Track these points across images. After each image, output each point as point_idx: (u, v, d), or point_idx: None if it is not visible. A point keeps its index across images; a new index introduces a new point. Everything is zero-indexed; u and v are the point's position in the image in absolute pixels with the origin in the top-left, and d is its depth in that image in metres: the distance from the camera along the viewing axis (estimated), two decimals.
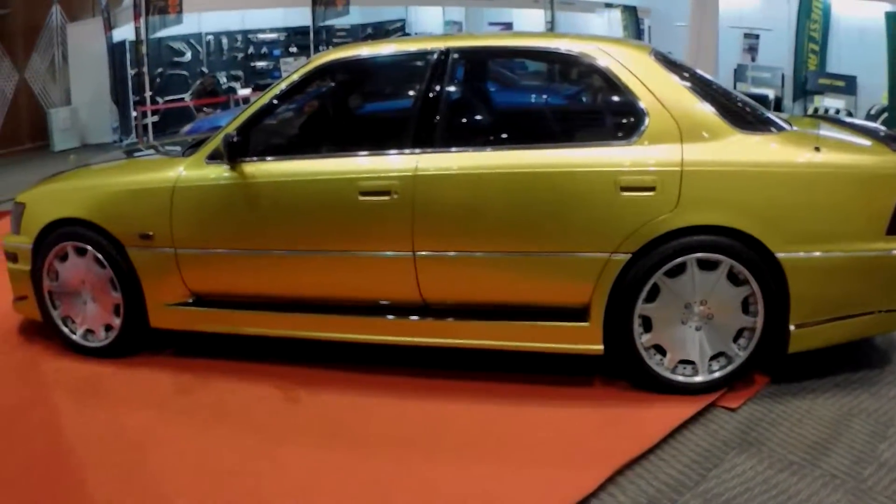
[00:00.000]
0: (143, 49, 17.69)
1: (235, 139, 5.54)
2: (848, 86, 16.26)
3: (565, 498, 4.22)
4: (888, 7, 13.86)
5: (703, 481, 4.38)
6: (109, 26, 18.42)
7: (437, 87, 5.46)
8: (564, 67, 7.28)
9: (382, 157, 5.46)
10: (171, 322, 5.98)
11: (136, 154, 7.65)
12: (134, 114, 18.24)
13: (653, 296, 5.11)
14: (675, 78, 5.31)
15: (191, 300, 5.91)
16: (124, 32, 18.56)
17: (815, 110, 16.37)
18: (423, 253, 5.31)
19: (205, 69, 20.00)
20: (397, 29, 23.43)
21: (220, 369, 5.88)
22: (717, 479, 4.40)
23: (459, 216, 5.28)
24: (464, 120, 5.90)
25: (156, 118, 18.38)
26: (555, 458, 4.64)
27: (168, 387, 5.69)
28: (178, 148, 6.44)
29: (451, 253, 5.31)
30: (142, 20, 17.68)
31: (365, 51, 6.05)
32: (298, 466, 4.62)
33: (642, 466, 4.54)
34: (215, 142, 5.71)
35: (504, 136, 5.87)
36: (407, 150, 5.36)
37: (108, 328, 6.11)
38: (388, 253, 5.38)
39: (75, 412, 5.39)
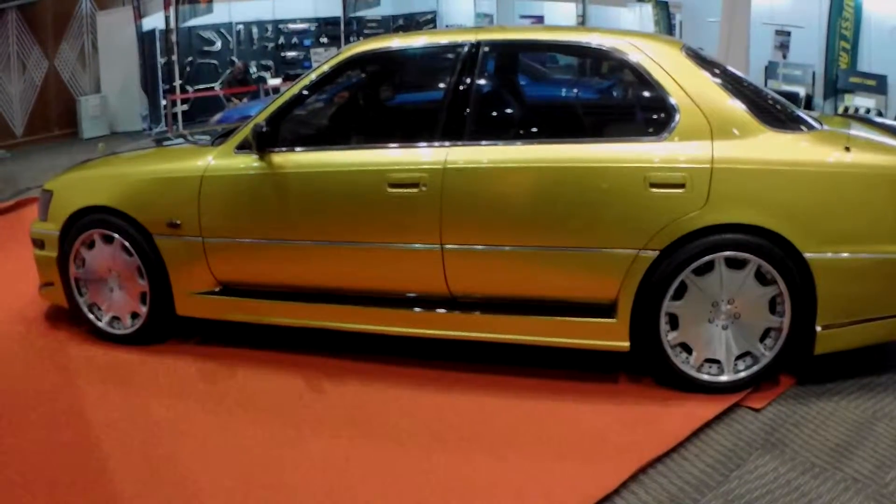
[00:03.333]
0: (173, 38, 17.75)
1: (265, 129, 5.55)
2: (879, 85, 16.15)
3: (589, 494, 4.21)
4: None
5: (725, 482, 4.37)
6: (139, 15, 18.50)
7: (468, 80, 5.45)
8: (595, 62, 7.27)
9: (412, 149, 5.47)
10: (197, 311, 6.01)
11: (165, 143, 7.68)
12: (163, 102, 18.32)
13: (680, 293, 5.09)
14: (706, 74, 5.28)
15: (217, 289, 5.93)
16: (154, 21, 18.66)
17: (846, 109, 16.28)
18: (451, 246, 5.32)
19: (235, 59, 20.02)
20: (428, 21, 23.36)
21: (245, 358, 5.90)
22: (740, 480, 4.38)
23: (488, 210, 5.27)
24: (493, 113, 5.88)
25: (185, 107, 18.48)
26: (579, 453, 4.63)
27: (193, 375, 5.72)
28: (208, 137, 6.47)
29: (479, 246, 5.31)
30: (172, 9, 17.75)
31: (396, 42, 6.02)
32: (324, 457, 4.63)
33: (665, 465, 4.53)
34: (245, 132, 5.72)
35: (534, 130, 5.87)
36: (436, 143, 5.36)
37: (135, 316, 6.14)
38: (416, 245, 5.39)
39: (101, 399, 5.41)
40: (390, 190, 5.33)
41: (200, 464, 4.59)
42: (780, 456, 4.59)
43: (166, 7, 17.70)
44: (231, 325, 6.07)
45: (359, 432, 4.92)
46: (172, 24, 17.85)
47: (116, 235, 5.96)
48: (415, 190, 5.29)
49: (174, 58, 17.73)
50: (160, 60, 18.92)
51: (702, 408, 5.01)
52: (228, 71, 19.73)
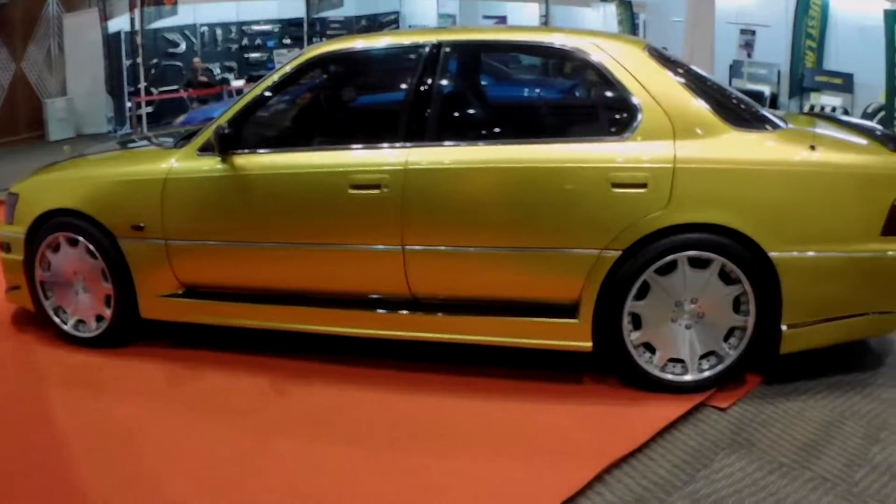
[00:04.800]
0: (139, 40, 17.69)
1: (227, 131, 5.52)
2: (845, 83, 16.26)
3: (553, 495, 4.19)
4: (888, 5, 13.83)
5: (691, 481, 4.36)
6: (105, 17, 18.44)
7: (430, 81, 5.44)
8: (558, 62, 7.29)
9: (374, 150, 5.44)
10: (161, 313, 5.97)
11: (130, 145, 7.62)
12: (129, 104, 18.26)
13: (643, 293, 5.08)
14: (669, 74, 5.28)
15: (181, 291, 5.89)
16: (120, 23, 18.64)
17: (812, 108, 16.37)
18: (413, 247, 5.29)
19: (199, 59, 19.96)
20: (391, 21, 23.45)
21: (211, 361, 5.88)
22: (706, 480, 4.37)
23: (449, 211, 5.25)
24: (456, 114, 5.85)
25: (150, 109, 18.44)
26: (543, 454, 4.61)
27: (159, 378, 5.68)
28: (171, 139, 6.42)
29: (441, 247, 5.29)
30: (137, 11, 17.69)
31: (358, 43, 6.01)
32: (289, 459, 4.60)
33: (631, 465, 4.52)
34: (207, 134, 5.70)
35: (496, 130, 5.85)
36: (398, 144, 5.34)
37: (100, 319, 6.10)
38: (378, 246, 5.36)
39: (66, 403, 5.38)
40: (352, 191, 5.31)
41: (167, 467, 4.56)
42: (747, 455, 4.58)
43: (132, 9, 17.66)
44: (197, 327, 6.03)
45: (324, 434, 4.89)
46: (138, 26, 17.79)
47: (81, 238, 5.92)
48: (376, 191, 5.27)
49: (139, 60, 17.68)
50: (126, 62, 18.86)
51: (667, 408, 5.01)
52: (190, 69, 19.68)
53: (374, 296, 5.56)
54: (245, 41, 21.43)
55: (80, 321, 6.17)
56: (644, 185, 4.95)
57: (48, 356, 6.09)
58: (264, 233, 5.60)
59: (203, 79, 19.06)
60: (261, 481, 4.40)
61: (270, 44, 21.68)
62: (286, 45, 21.67)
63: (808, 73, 17.00)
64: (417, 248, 5.29)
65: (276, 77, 5.74)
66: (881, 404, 5.15)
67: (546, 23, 20.92)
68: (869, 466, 4.49)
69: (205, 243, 5.74)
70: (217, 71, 20.37)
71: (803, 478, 4.37)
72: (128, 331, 6.12)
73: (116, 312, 6.00)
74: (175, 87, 19.57)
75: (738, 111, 5.36)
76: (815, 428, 4.87)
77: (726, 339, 5.16)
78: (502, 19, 22.39)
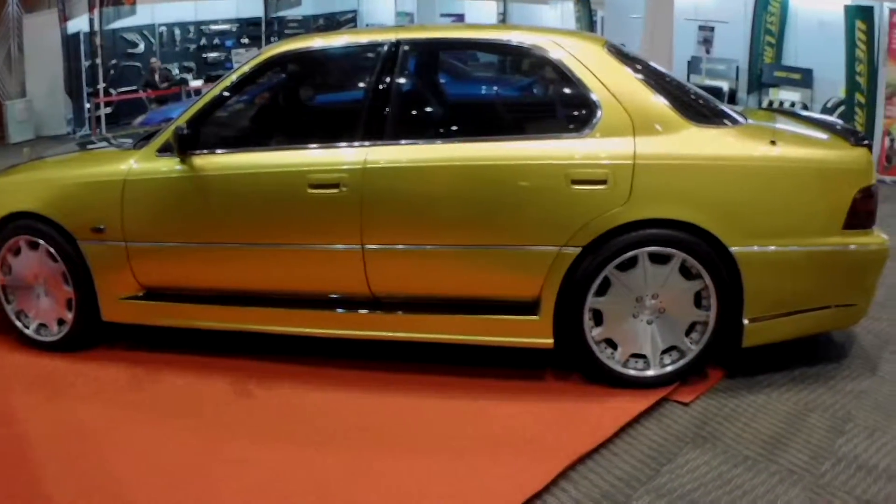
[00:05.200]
0: (98, 40, 17.59)
1: (186, 132, 5.47)
2: (804, 79, 16.34)
3: (517, 493, 4.18)
4: (848, 0, 13.92)
5: (656, 476, 4.37)
6: (65, 17, 18.32)
7: (388, 80, 5.42)
8: (517, 60, 7.31)
9: (332, 149, 5.42)
10: (123, 316, 5.92)
11: (90, 146, 7.56)
12: (87, 105, 18.15)
13: (604, 289, 5.09)
14: (628, 70, 5.29)
15: (142, 294, 5.84)
16: (79, 24, 18.50)
17: (770, 103, 16.45)
18: (372, 246, 5.28)
19: (156, 60, 19.87)
20: (349, 20, 23.43)
21: (173, 363, 5.83)
22: (671, 474, 4.38)
23: (408, 209, 5.24)
24: (414, 112, 5.86)
25: (109, 110, 18.31)
26: (506, 452, 4.60)
27: (121, 382, 5.62)
28: (130, 140, 6.36)
29: (400, 246, 5.28)
30: (97, 11, 17.59)
31: (316, 42, 5.95)
32: (254, 462, 4.56)
33: (595, 461, 4.52)
34: (166, 134, 5.65)
35: (455, 128, 5.85)
36: (356, 143, 5.32)
37: (62, 322, 6.03)
38: (337, 246, 5.34)
39: (28, 407, 5.31)
40: (310, 191, 5.28)
41: (130, 471, 4.51)
42: (711, 449, 4.60)
43: (91, 9, 17.54)
44: (159, 329, 5.99)
45: (288, 436, 4.86)
46: (97, 27, 17.69)
47: (42, 242, 5.86)
48: (335, 191, 5.25)
49: (98, 61, 17.57)
50: (84, 63, 18.75)
51: (630, 403, 5.02)
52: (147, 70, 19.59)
53: (335, 295, 5.54)
54: (203, 41, 21.34)
55: (43, 325, 6.09)
56: (604, 182, 4.95)
57: (10, 361, 6.00)
58: (224, 234, 5.57)
59: (163, 85, 18.95)
60: (226, 484, 4.36)
61: (229, 43, 21.61)
62: (244, 45, 21.61)
63: (767, 68, 17.08)
64: (377, 247, 5.28)
65: (234, 77, 5.69)
66: (845, 396, 5.19)
67: (504, 20, 20.98)
68: (834, 458, 4.51)
69: (164, 245, 5.69)
70: (176, 71, 20.26)
71: (769, 471, 4.39)
72: (90, 334, 6.06)
73: (78, 316, 5.94)
74: (133, 87, 19.46)
75: (698, 107, 5.37)
76: (779, 421, 4.90)
77: (688, 333, 5.18)
78: (460, 17, 22.44)
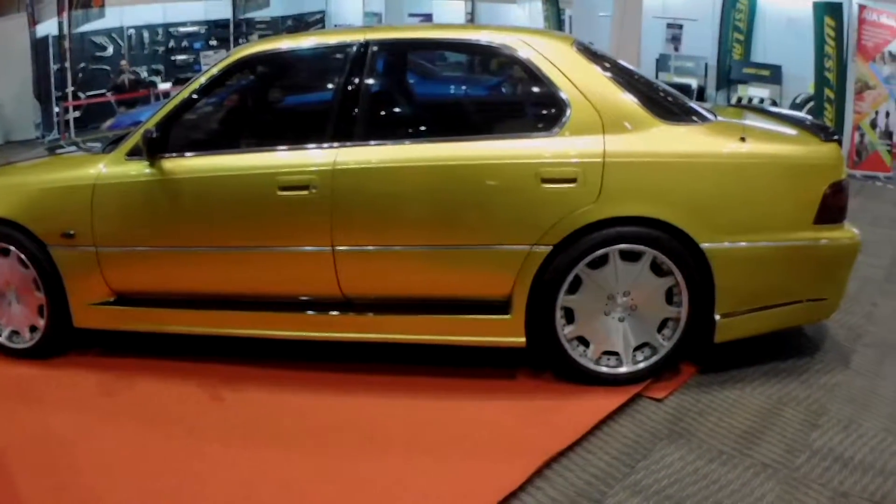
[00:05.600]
0: (66, 44, 17.52)
1: (155, 135, 5.44)
2: (773, 75, 16.43)
3: (492, 493, 4.17)
4: None
5: (631, 473, 4.38)
6: (34, 21, 18.23)
7: (357, 80, 5.40)
8: (485, 59, 7.29)
9: (301, 151, 5.39)
10: (94, 322, 5.87)
11: (59, 151, 7.51)
12: (56, 110, 18.06)
13: (575, 287, 5.09)
14: (597, 69, 5.30)
15: (113, 299, 5.80)
16: (48, 27, 18.41)
17: (739, 99, 16.52)
18: (343, 248, 5.26)
19: (125, 62, 19.78)
20: (317, 21, 23.42)
21: (145, 368, 5.80)
22: (647, 471, 4.39)
23: (378, 210, 5.23)
24: (383, 113, 5.84)
25: (77, 114, 18.23)
26: (481, 452, 4.60)
27: (94, 388, 5.58)
28: (100, 144, 6.32)
29: (371, 247, 5.26)
30: (66, 14, 17.51)
31: (285, 44, 5.96)
32: (226, 466, 4.55)
33: (570, 459, 4.52)
34: (135, 138, 5.60)
35: (424, 128, 5.83)
36: (326, 144, 5.30)
37: (34, 329, 5.98)
38: (308, 248, 5.32)
39: (2, 415, 5.26)
40: (281, 193, 5.25)
41: (104, 478, 4.48)
42: (686, 445, 4.62)
43: (60, 13, 17.46)
44: (132, 335, 5.96)
45: (260, 439, 4.84)
46: (66, 30, 17.62)
47: (12, 248, 5.81)
48: (304, 192, 5.22)
49: (67, 64, 17.50)
50: (53, 67, 18.66)
51: (603, 400, 5.02)
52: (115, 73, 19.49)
53: (306, 297, 5.52)
54: (172, 43, 21.25)
55: (15, 332, 6.04)
56: (574, 180, 4.96)
57: None
58: (194, 237, 5.53)
59: (132, 77, 18.85)
60: (199, 489, 4.34)
61: (197, 45, 21.53)
62: (213, 47, 21.53)
63: (736, 65, 17.18)
64: (347, 248, 5.26)
65: (203, 79, 5.66)
66: (819, 390, 5.23)
67: (472, 20, 20.98)
68: (809, 451, 4.55)
69: (135, 249, 5.65)
70: (144, 74, 20.17)
71: (744, 465, 4.41)
72: (63, 341, 6.01)
73: (50, 322, 5.89)
74: (102, 91, 19.37)
75: (667, 104, 5.39)
76: (753, 415, 4.92)
77: (660, 330, 5.19)
78: (428, 17, 22.43)
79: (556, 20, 20.19)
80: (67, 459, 4.69)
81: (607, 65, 5.47)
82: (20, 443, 4.89)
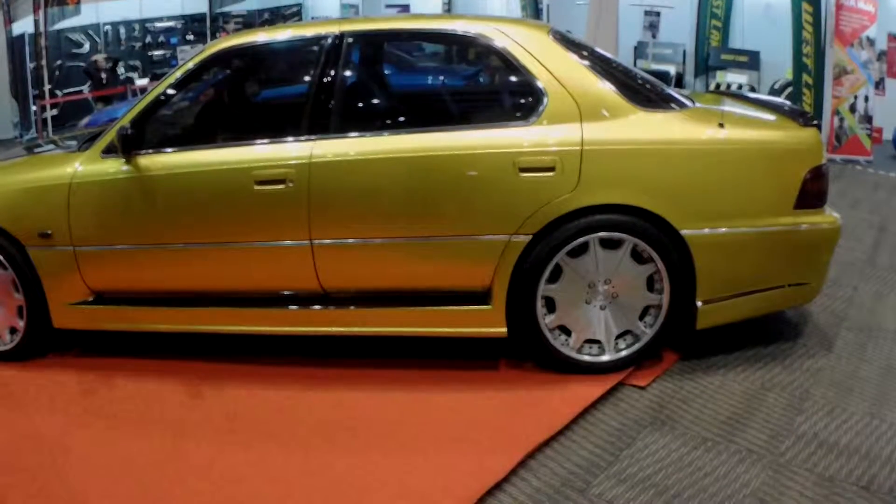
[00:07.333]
0: (43, 42, 17.44)
1: (129, 132, 5.40)
2: (751, 61, 16.47)
3: (477, 484, 4.16)
4: None
5: (616, 461, 4.37)
6: (9, 20, 18.15)
7: (332, 72, 5.37)
8: (462, 49, 7.28)
9: (278, 144, 5.36)
10: (74, 322, 5.83)
11: (36, 150, 7.47)
12: (34, 108, 18.00)
13: (556, 276, 5.09)
14: (574, 57, 5.28)
15: (91, 299, 5.77)
16: (24, 25, 18.33)
17: (717, 86, 16.56)
18: (321, 241, 5.24)
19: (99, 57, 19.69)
20: (294, 14, 23.41)
21: (125, 367, 5.77)
22: (631, 459, 4.38)
23: (356, 203, 5.21)
24: (360, 105, 5.84)
25: (55, 112, 18.15)
26: (465, 443, 4.59)
27: (74, 388, 5.54)
28: (76, 142, 6.28)
29: (349, 240, 5.24)
30: (41, 12, 17.44)
31: (260, 37, 5.90)
32: (207, 464, 4.52)
33: (553, 449, 4.51)
34: (110, 135, 5.57)
35: (401, 119, 5.82)
36: (302, 137, 5.27)
37: (13, 331, 5.94)
38: (286, 242, 5.29)
39: None
40: (257, 188, 5.23)
41: (87, 478, 4.45)
42: (670, 432, 4.62)
43: (35, 10, 17.39)
44: (112, 334, 5.95)
45: (242, 436, 4.82)
46: (42, 28, 17.55)
47: None
48: (281, 186, 5.20)
49: (44, 62, 17.43)
50: (30, 65, 18.58)
51: (586, 389, 5.02)
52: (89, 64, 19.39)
53: (286, 292, 5.50)
54: (148, 38, 21.16)
55: None
56: (552, 169, 4.94)
57: None
58: (171, 234, 5.50)
59: (105, 67, 18.74)
60: (183, 488, 4.32)
61: (173, 40, 21.44)
62: (189, 42, 21.46)
63: (714, 51, 17.21)
64: (326, 242, 5.24)
65: (178, 74, 5.62)
66: (802, 375, 5.23)
67: (449, 10, 20.94)
68: (794, 437, 4.55)
69: (113, 248, 5.61)
70: (121, 70, 20.07)
71: (728, 451, 4.41)
72: (43, 342, 5.97)
73: (30, 324, 5.85)
74: (79, 88, 19.29)
75: (645, 92, 5.38)
76: (736, 401, 4.92)
77: (642, 317, 5.19)
78: (405, 8, 22.40)
79: (533, 8, 20.15)
80: (48, 461, 4.65)
81: (584, 53, 5.46)
82: (1, 445, 4.87)
